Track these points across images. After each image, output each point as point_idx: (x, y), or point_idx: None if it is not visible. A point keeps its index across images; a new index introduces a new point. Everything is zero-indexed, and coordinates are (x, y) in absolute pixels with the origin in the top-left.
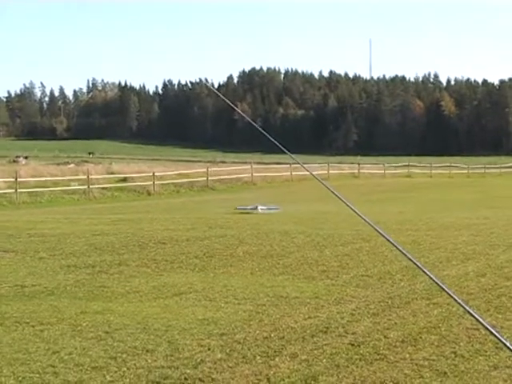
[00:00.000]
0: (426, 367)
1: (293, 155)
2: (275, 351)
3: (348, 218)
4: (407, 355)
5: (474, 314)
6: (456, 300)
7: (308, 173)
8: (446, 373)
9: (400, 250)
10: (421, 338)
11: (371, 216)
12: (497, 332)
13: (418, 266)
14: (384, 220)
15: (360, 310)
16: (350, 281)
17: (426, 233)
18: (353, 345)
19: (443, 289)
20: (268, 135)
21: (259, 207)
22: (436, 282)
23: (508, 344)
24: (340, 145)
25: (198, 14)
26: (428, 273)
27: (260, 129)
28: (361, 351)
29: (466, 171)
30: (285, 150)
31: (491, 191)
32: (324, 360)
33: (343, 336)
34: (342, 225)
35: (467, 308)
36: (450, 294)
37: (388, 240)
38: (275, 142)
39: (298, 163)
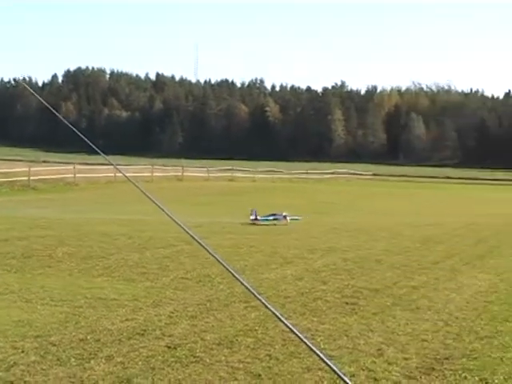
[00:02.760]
0: (241, 369)
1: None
2: (91, 354)
3: (171, 221)
4: (223, 358)
5: (285, 321)
6: (268, 307)
7: (131, 175)
8: (260, 375)
9: (212, 255)
10: (237, 340)
11: (194, 218)
12: (306, 339)
13: (230, 272)
14: (207, 223)
15: (178, 312)
16: (170, 283)
17: (246, 236)
18: (169, 347)
19: (255, 295)
20: (83, 136)
21: (288, 217)
22: (247, 288)
23: (317, 351)
24: (166, 147)
25: (23, 9)
26: (239, 278)
27: (75, 129)
28: (177, 354)
29: (288, 176)
30: (100, 152)
31: (313, 197)
32: (140, 362)
33: (160, 338)
34: (164, 227)
35: (278, 315)
36: (262, 302)
37: (201, 245)
38: (91, 144)
39: (112, 165)
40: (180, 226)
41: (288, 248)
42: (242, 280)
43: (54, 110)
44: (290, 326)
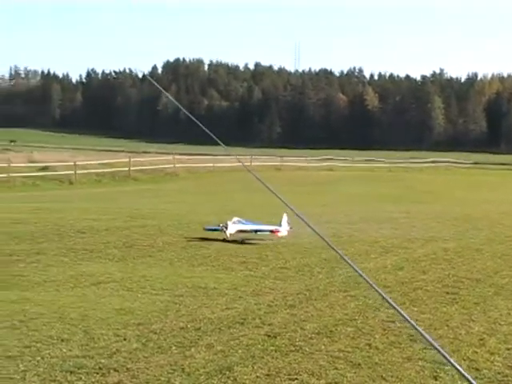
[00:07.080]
0: (341, 359)
1: (224, 147)
2: (191, 342)
3: (269, 208)
4: (322, 347)
5: (392, 303)
6: (376, 290)
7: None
8: (360, 364)
9: (326, 242)
10: (336, 329)
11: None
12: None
13: (341, 255)
14: (306, 212)
15: (277, 301)
16: (269, 273)
17: (346, 226)
18: (269, 336)
19: (363, 277)
20: (201, 125)
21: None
22: (356, 270)
23: (426, 335)
24: (264, 137)
25: (126, 4)
26: (350, 262)
27: (194, 119)
28: (276, 342)
29: (387, 165)
30: (218, 141)
31: (413, 186)
32: (240, 351)
33: (260, 327)
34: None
35: (387, 297)
36: (369, 283)
37: (314, 230)
38: (209, 132)
39: (232, 156)
40: (293, 210)
41: (388, 237)
42: (350, 262)
43: (184, 109)
44: (396, 307)
